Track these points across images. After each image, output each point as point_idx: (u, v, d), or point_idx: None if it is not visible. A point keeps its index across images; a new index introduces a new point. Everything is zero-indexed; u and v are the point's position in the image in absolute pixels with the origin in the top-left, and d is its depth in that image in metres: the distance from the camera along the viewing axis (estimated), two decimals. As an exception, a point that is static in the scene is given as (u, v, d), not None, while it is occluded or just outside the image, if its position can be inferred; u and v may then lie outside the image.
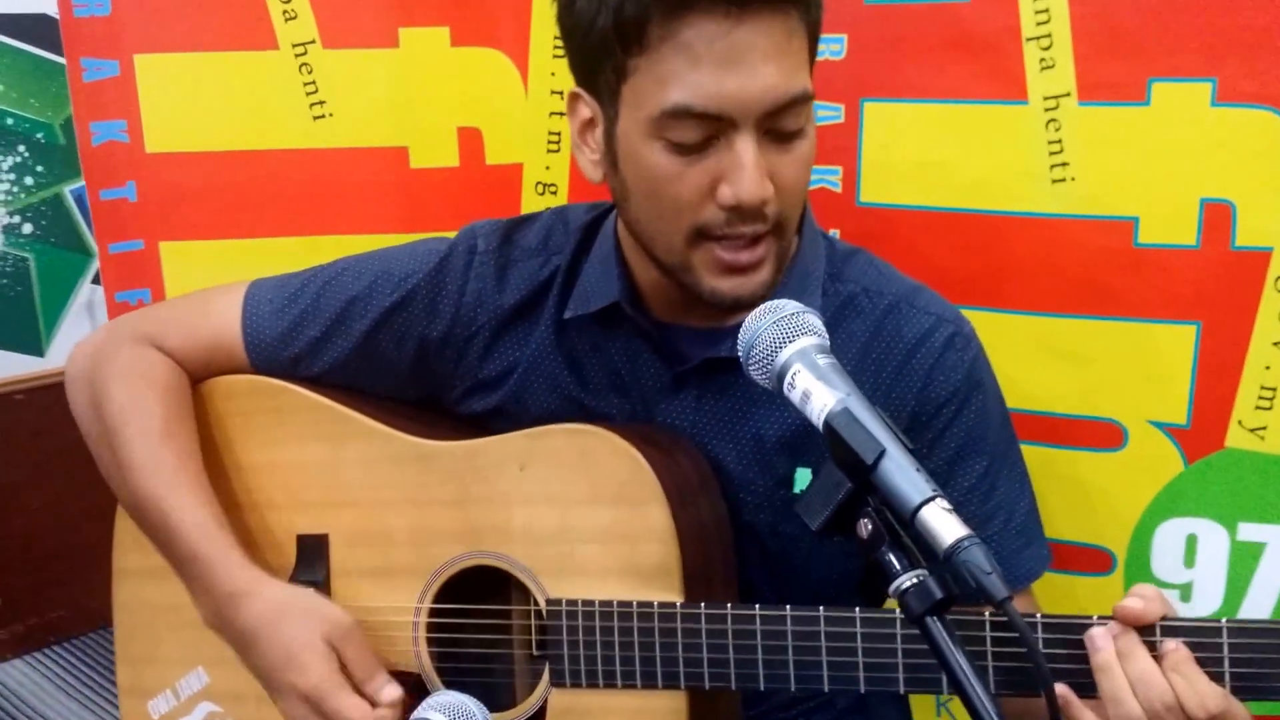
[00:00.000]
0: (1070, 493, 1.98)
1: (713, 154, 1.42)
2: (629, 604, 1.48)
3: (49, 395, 1.70)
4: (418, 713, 1.24)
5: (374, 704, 1.46)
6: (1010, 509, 1.63)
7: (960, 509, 1.51)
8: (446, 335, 1.66)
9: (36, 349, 2.98)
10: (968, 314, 1.66)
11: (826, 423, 1.18)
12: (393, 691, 1.48)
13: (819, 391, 1.20)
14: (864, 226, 2.00)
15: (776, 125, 1.42)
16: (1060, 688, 1.33)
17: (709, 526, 1.55)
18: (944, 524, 1.10)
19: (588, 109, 1.52)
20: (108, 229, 2.12)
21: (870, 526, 1.16)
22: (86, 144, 2.08)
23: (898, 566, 1.13)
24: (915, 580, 1.12)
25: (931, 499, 1.11)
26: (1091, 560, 1.99)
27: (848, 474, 1.16)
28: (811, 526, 1.19)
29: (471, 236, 1.69)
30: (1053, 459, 1.98)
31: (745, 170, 1.41)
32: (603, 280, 1.61)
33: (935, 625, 1.11)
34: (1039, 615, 1.37)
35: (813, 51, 1.47)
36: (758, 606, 1.44)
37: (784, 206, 1.46)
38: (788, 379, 1.23)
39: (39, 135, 2.84)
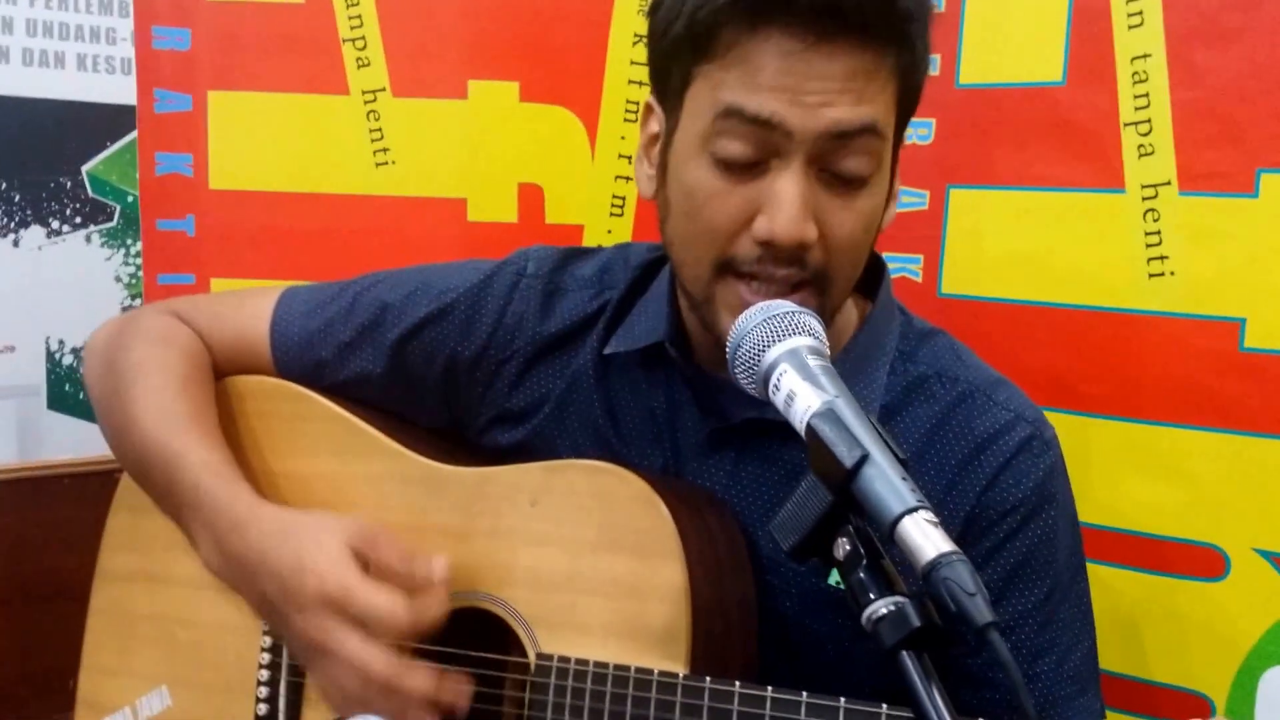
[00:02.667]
0: (1163, 627, 1.77)
1: (758, 181, 1.27)
2: (626, 669, 1.30)
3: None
4: None
5: (420, 586, 1.30)
6: (1067, 648, 1.40)
7: (1008, 635, 1.34)
8: (479, 356, 1.53)
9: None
10: (1052, 417, 1.47)
11: (808, 425, 1.02)
12: (441, 563, 1.31)
13: (804, 393, 1.04)
14: (945, 319, 1.80)
15: (835, 165, 1.27)
16: None
17: (731, 605, 1.37)
18: (926, 538, 0.92)
19: (656, 123, 1.40)
20: (159, 260, 2.09)
21: (848, 546, 0.97)
22: (149, 173, 2.07)
23: (873, 592, 0.94)
24: (891, 607, 0.94)
25: (914, 510, 0.93)
26: (1187, 708, 1.75)
27: (827, 485, 0.99)
28: (784, 547, 1.02)
29: (523, 258, 1.57)
30: (1143, 586, 1.77)
31: (785, 203, 1.25)
32: (652, 319, 1.47)
33: (910, 660, 0.91)
34: None
35: (901, 109, 1.32)
36: (769, 688, 1.25)
37: (830, 260, 1.30)
38: (773, 380, 1.07)
39: (168, 225, 2.87)
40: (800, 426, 1.03)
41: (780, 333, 1.09)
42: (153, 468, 1.48)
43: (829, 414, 1.00)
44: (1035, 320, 1.81)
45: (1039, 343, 1.80)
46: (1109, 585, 1.75)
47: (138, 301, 2.89)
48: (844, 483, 0.96)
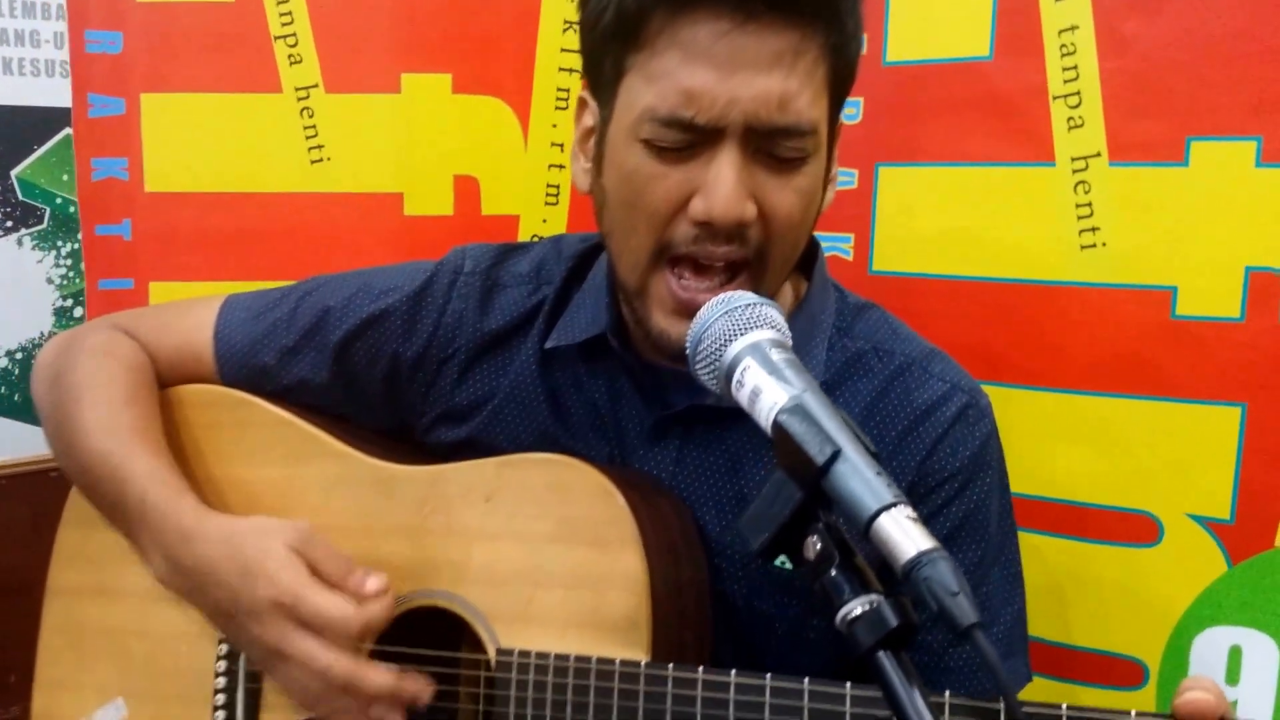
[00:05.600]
0: (1098, 594, 1.73)
1: (694, 162, 1.22)
2: (588, 659, 1.25)
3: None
4: None
5: (358, 599, 1.28)
6: (995, 611, 1.37)
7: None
8: (421, 355, 1.48)
9: (74, 431, 2.89)
10: (988, 390, 1.43)
11: (775, 422, 0.95)
12: (376, 581, 1.29)
13: (769, 389, 0.97)
14: (877, 296, 1.74)
15: (770, 148, 1.22)
16: None
17: (687, 588, 1.32)
18: (905, 535, 0.86)
19: (591, 117, 1.34)
20: (99, 266, 2.01)
21: (819, 545, 0.90)
22: (85, 179, 1.99)
23: (847, 591, 0.88)
24: (866, 606, 0.88)
25: (892, 505, 0.87)
26: (1120, 672, 1.72)
27: (798, 482, 0.93)
28: (752, 546, 0.95)
29: (460, 257, 1.51)
30: (1078, 554, 1.73)
31: (721, 184, 1.20)
32: (591, 311, 1.41)
33: (888, 661, 0.86)
34: (1064, 706, 1.10)
35: (834, 89, 1.27)
36: (733, 672, 1.20)
37: (769, 238, 1.25)
38: (736, 376, 1.01)
39: (97, 226, 2.80)
40: (766, 424, 0.96)
41: (742, 327, 1.02)
42: (100, 480, 1.41)
43: (798, 409, 0.94)
44: (968, 295, 1.77)
45: (972, 317, 1.76)
46: (1043, 554, 1.72)
47: (70, 303, 2.82)
48: (816, 480, 0.90)
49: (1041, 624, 1.70)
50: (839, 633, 1.30)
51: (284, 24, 1.93)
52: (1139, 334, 1.65)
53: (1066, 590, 1.73)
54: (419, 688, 1.28)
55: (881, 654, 0.86)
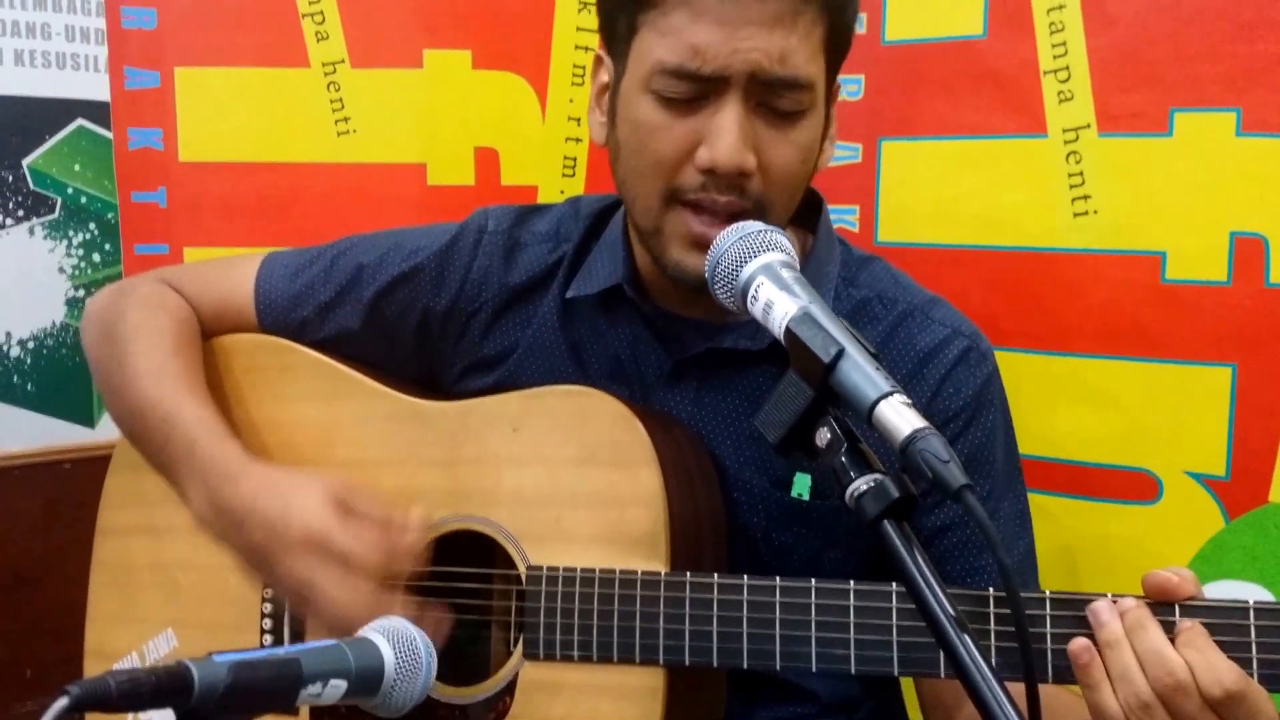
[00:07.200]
0: (1099, 549, 1.87)
1: (699, 114, 1.39)
2: (612, 572, 1.41)
3: (96, 467, 1.69)
4: (359, 632, 1.17)
5: (396, 532, 1.40)
6: (1007, 545, 1.52)
7: (950, 533, 1.48)
8: (450, 309, 1.64)
9: (88, 420, 2.98)
10: None
11: (787, 329, 1.12)
12: (418, 512, 1.41)
13: (781, 301, 1.15)
14: None
15: (770, 101, 1.39)
16: (1081, 642, 1.21)
17: (703, 513, 1.48)
18: (901, 418, 1.03)
19: (606, 73, 1.51)
20: (135, 231, 2.17)
21: (828, 435, 1.07)
22: (122, 148, 2.16)
23: (854, 471, 1.05)
24: (872, 483, 1.05)
25: (890, 394, 1.04)
26: None
27: (808, 381, 1.10)
28: (771, 440, 1.12)
29: (483, 217, 1.68)
30: (1080, 512, 1.87)
31: (724, 134, 1.37)
32: (609, 263, 1.57)
33: (893, 528, 1.02)
34: (1047, 592, 1.27)
35: (830, 50, 1.43)
36: (745, 576, 1.36)
37: (768, 188, 1.41)
38: (751, 293, 1.18)
39: (109, 215, 2.91)
40: (779, 331, 1.13)
41: (754, 249, 1.19)
42: (149, 425, 1.55)
43: (805, 317, 1.10)
44: (968, 263, 1.91)
45: (972, 284, 1.89)
46: (1047, 513, 1.83)
47: (82, 294, 2.92)
48: (823, 377, 1.06)
49: (1050, 580, 1.77)
50: (853, 563, 1.45)
51: (311, 2, 2.09)
52: (1131, 298, 1.79)
53: (1069, 546, 1.85)
54: (438, 622, 1.38)
55: (887, 522, 1.02)
